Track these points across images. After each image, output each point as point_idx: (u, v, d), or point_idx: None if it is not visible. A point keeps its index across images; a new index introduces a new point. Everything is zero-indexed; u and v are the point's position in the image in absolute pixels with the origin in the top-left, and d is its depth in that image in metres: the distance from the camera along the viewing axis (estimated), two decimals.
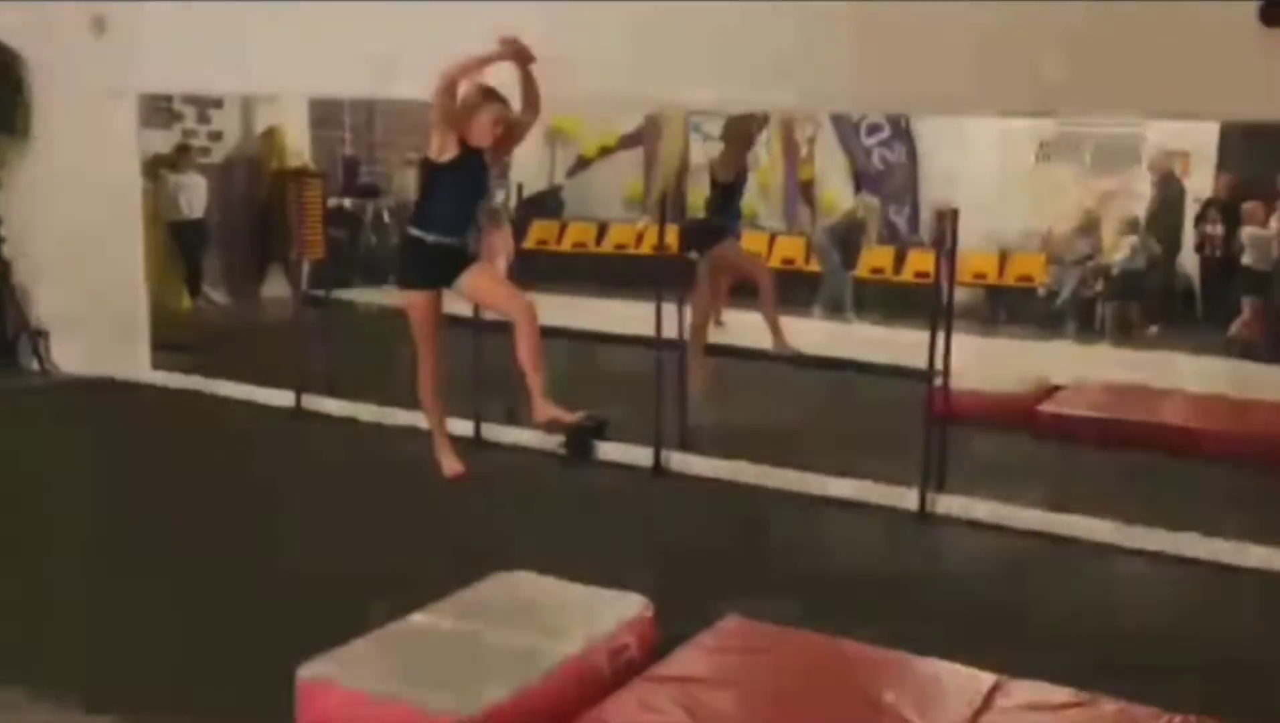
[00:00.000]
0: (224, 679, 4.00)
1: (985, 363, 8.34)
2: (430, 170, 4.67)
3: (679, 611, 4.27)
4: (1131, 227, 11.63)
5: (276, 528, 5.62)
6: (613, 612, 4.10)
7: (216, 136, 12.11)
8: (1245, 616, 4.90)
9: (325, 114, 12.99)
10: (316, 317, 8.46)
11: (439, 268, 4.68)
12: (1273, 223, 10.56)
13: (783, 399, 8.20)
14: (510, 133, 4.63)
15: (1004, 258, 12.54)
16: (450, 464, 4.82)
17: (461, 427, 7.18)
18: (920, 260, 12.01)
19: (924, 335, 6.15)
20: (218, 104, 11.94)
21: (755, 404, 8.00)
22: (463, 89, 4.49)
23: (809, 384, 8.37)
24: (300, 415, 7.80)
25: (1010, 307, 12.26)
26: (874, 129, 13.49)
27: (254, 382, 8.18)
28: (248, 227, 12.23)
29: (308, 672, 3.62)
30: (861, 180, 13.51)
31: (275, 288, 11.85)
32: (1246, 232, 10.71)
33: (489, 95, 4.58)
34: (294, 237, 8.20)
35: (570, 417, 4.69)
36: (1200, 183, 11.86)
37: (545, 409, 4.58)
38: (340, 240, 12.11)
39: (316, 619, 4.23)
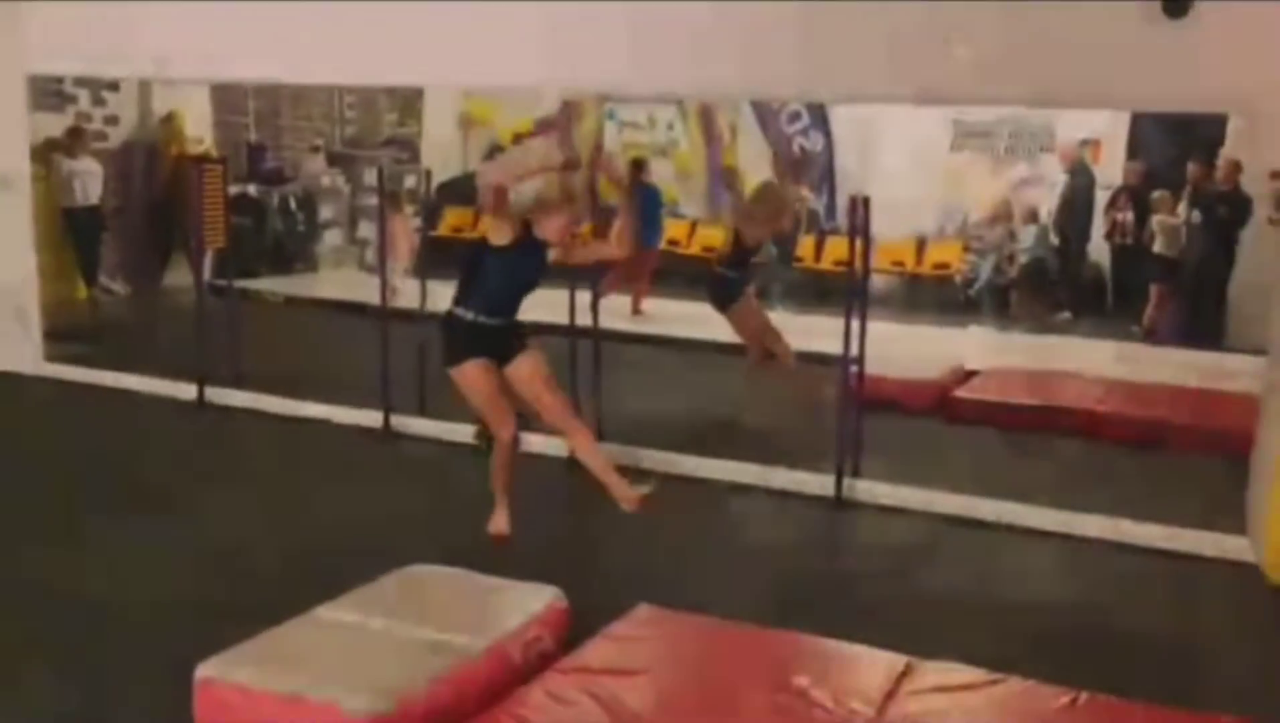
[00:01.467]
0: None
1: (903, 349, 8.51)
2: (483, 250, 4.64)
3: (595, 602, 4.30)
4: (1032, 215, 11.95)
5: (174, 522, 5.53)
6: (525, 604, 4.12)
7: (112, 121, 11.79)
8: (1149, 593, 5.08)
9: (228, 99, 12.74)
10: (220, 307, 8.31)
11: (481, 344, 4.64)
12: (1181, 210, 10.92)
13: (698, 388, 8.28)
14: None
15: (921, 245, 12.79)
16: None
17: (369, 418, 7.19)
18: (838, 248, 12.15)
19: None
20: (113, 87, 11.62)
21: (671, 394, 8.07)
22: (537, 181, 4.54)
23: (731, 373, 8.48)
24: (203, 408, 7.66)
25: (928, 294, 12.51)
26: (794, 117, 13.65)
27: (154, 374, 8.01)
28: (147, 214, 11.94)
29: (207, 671, 3.57)
30: (782, 168, 13.64)
31: (177, 277, 11.60)
32: (1156, 219, 11.06)
33: (568, 198, 4.61)
34: (195, 225, 8.04)
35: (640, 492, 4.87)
36: (1113, 171, 12.19)
37: (630, 495, 4.79)
38: (244, 228, 11.87)
39: (213, 618, 4.19)
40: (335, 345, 9.11)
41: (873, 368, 6.46)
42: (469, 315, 4.69)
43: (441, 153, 14.55)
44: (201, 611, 4.46)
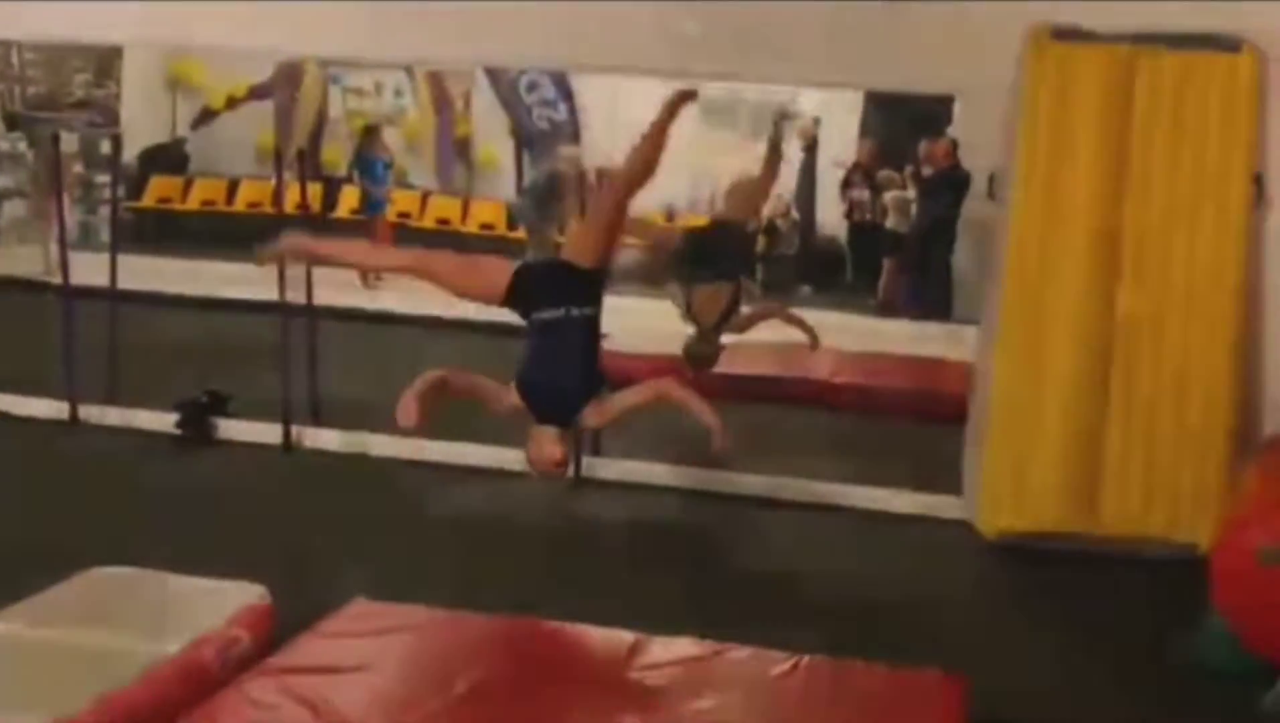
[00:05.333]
0: None
1: (652, 325, 8.67)
2: None
3: (305, 597, 4.16)
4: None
5: None
6: (222, 604, 3.92)
7: None
8: (872, 554, 5.37)
9: None
10: None
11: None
12: (911, 187, 11.63)
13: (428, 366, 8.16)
14: None
15: (670, 220, 13.06)
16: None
17: (53, 409, 6.69)
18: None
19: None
20: None
21: (398, 374, 7.90)
22: None
23: (473, 351, 8.40)
24: None
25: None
26: (534, 86, 13.60)
27: None
28: None
29: None
30: (523, 139, 13.62)
31: None
32: (889, 195, 11.73)
33: None
34: None
35: None
36: (844, 149, 12.83)
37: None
38: None
39: None
40: (13, 329, 8.44)
41: (620, 344, 6.53)
42: None
43: (147, 117, 13.74)
44: None
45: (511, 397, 4.04)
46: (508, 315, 4.16)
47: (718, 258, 6.04)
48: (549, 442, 4.01)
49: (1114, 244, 5.32)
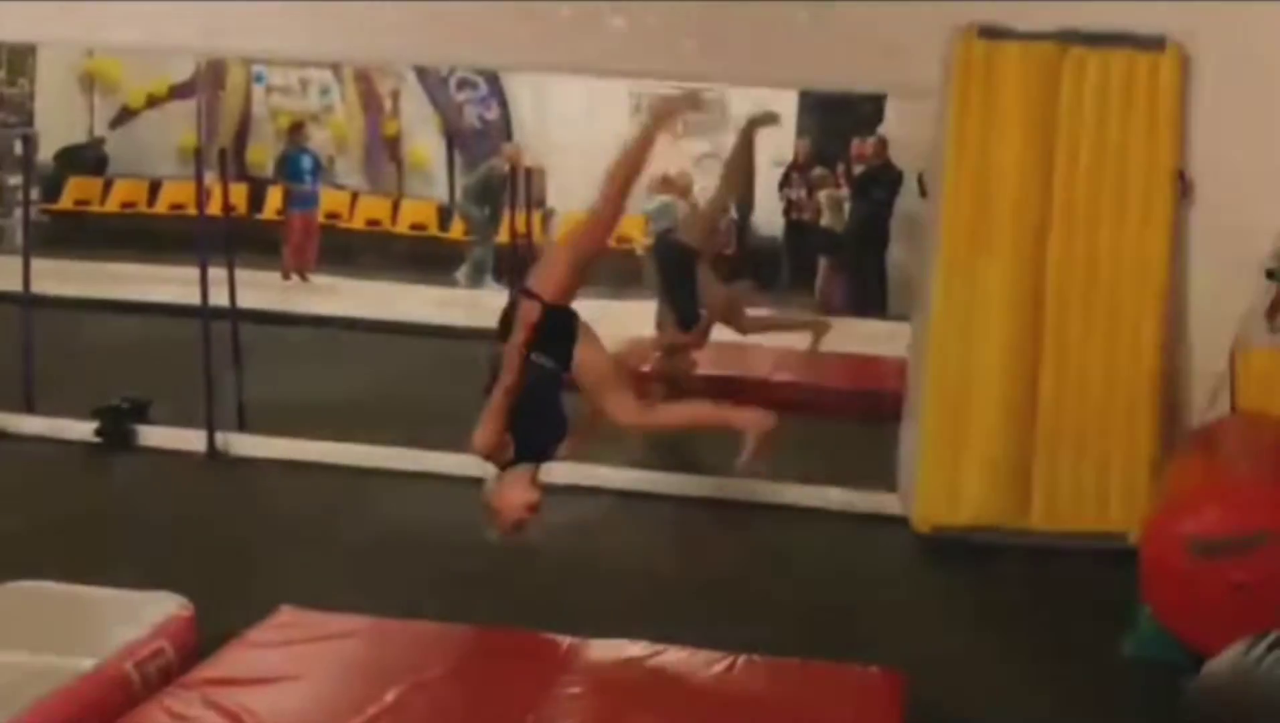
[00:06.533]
0: None
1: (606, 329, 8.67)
2: None
3: (231, 607, 4.10)
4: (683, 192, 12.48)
5: None
6: (143, 615, 3.84)
7: None
8: (807, 552, 5.41)
9: None
10: None
11: None
12: (845, 186, 11.75)
13: (359, 370, 8.10)
14: None
15: None
16: None
17: None
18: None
19: None
20: None
21: (330, 377, 7.82)
22: None
23: (402, 353, 8.39)
24: None
25: (613, 268, 12.78)
26: (465, 84, 13.54)
27: None
28: None
29: None
30: (454, 138, 13.57)
31: None
32: (823, 194, 11.84)
33: None
34: None
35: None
36: (781, 148, 12.91)
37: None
38: None
39: None
40: None
41: None
42: None
43: (63, 116, 13.49)
44: None
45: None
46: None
47: None
48: (523, 485, 3.82)
49: (1041, 240, 5.42)
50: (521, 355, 3.76)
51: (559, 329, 3.93)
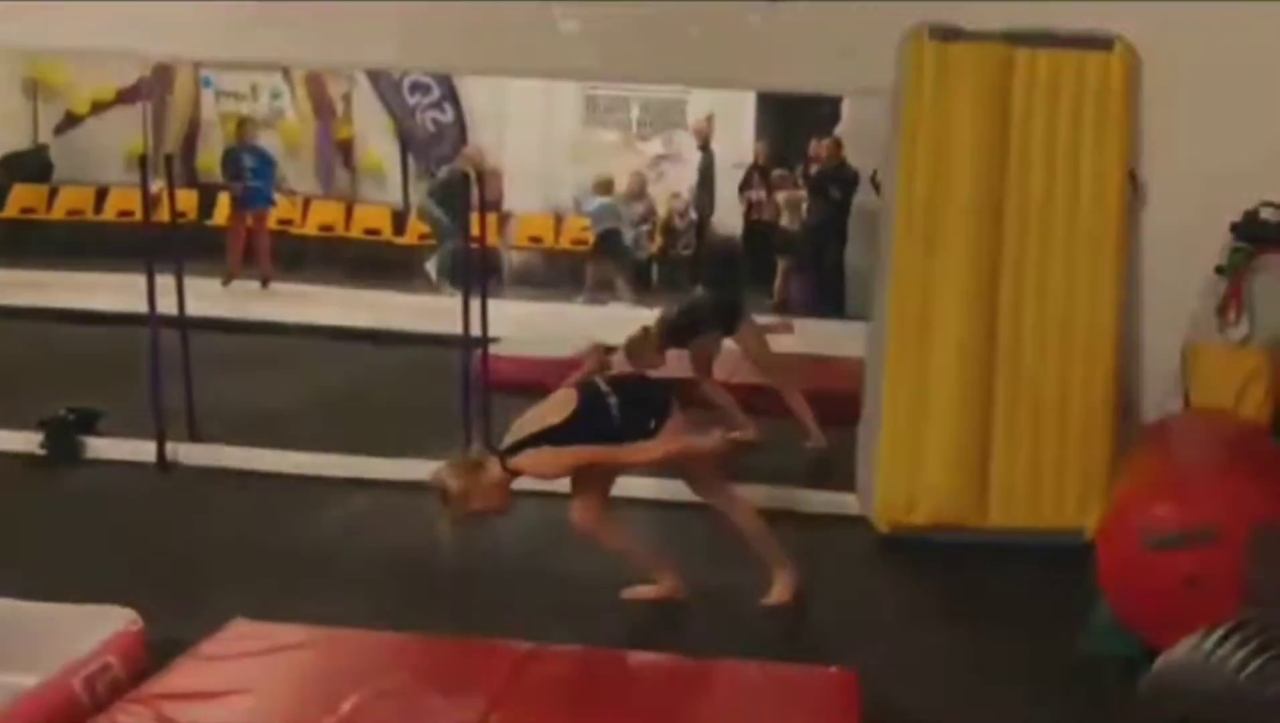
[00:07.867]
0: None
1: (538, 328, 8.66)
2: None
3: (182, 621, 4.07)
4: (638, 193, 12.53)
5: None
6: (90, 631, 3.82)
7: None
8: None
9: None
10: None
11: None
12: (804, 186, 11.83)
13: (312, 377, 8.05)
14: None
15: (559, 221, 13.08)
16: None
17: None
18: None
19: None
20: None
21: (282, 384, 7.77)
22: None
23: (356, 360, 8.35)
24: None
25: (567, 270, 12.80)
26: (418, 88, 13.48)
27: None
28: None
29: None
30: (408, 142, 13.51)
31: None
32: (782, 195, 11.91)
33: None
34: None
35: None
36: (741, 149, 12.97)
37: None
38: None
39: None
40: None
41: (514, 349, 6.53)
42: None
43: (6, 123, 13.33)
44: None
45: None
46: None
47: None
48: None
49: (995, 239, 5.48)
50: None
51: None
